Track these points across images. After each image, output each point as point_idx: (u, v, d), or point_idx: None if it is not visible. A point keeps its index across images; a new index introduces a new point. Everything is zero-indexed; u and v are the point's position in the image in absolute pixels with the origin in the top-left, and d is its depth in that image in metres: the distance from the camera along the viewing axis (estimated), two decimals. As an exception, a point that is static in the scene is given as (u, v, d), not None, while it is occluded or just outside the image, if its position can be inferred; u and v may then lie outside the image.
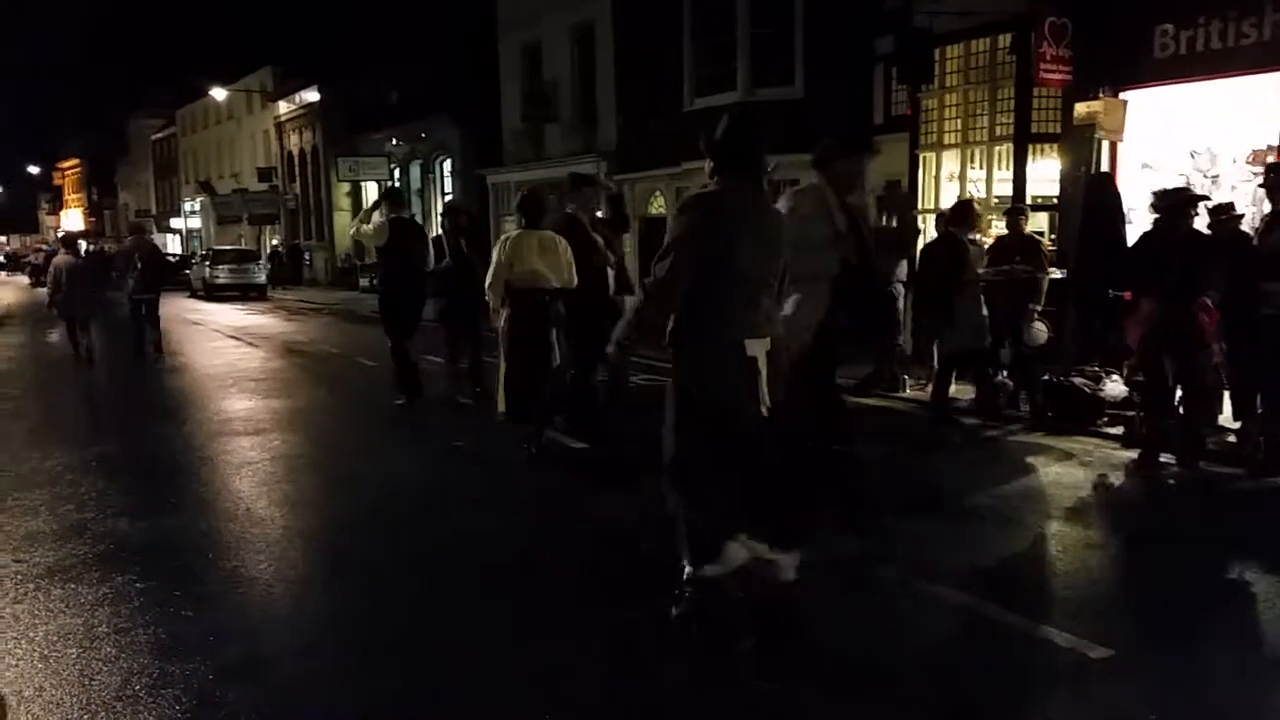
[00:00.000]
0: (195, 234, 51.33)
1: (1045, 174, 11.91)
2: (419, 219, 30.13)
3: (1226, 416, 7.27)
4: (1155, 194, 6.92)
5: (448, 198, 27.06)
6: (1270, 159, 9.66)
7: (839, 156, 4.88)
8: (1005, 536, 5.41)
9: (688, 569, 3.89)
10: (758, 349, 3.76)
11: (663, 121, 16.86)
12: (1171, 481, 6.58)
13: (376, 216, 9.37)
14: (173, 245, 51.53)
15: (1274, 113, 9.21)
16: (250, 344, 16.13)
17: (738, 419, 3.78)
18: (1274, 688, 3.65)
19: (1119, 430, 7.75)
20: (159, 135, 55.83)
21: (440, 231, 10.01)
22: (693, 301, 3.76)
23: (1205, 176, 9.90)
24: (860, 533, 4.83)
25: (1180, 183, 8.69)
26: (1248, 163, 9.82)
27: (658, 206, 18.82)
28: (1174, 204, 6.61)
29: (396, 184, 31.19)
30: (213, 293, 29.51)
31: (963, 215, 8.49)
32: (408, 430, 8.72)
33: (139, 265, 13.79)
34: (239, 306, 26.31)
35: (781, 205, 4.61)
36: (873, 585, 4.60)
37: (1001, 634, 4.04)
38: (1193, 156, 10.19)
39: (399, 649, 3.97)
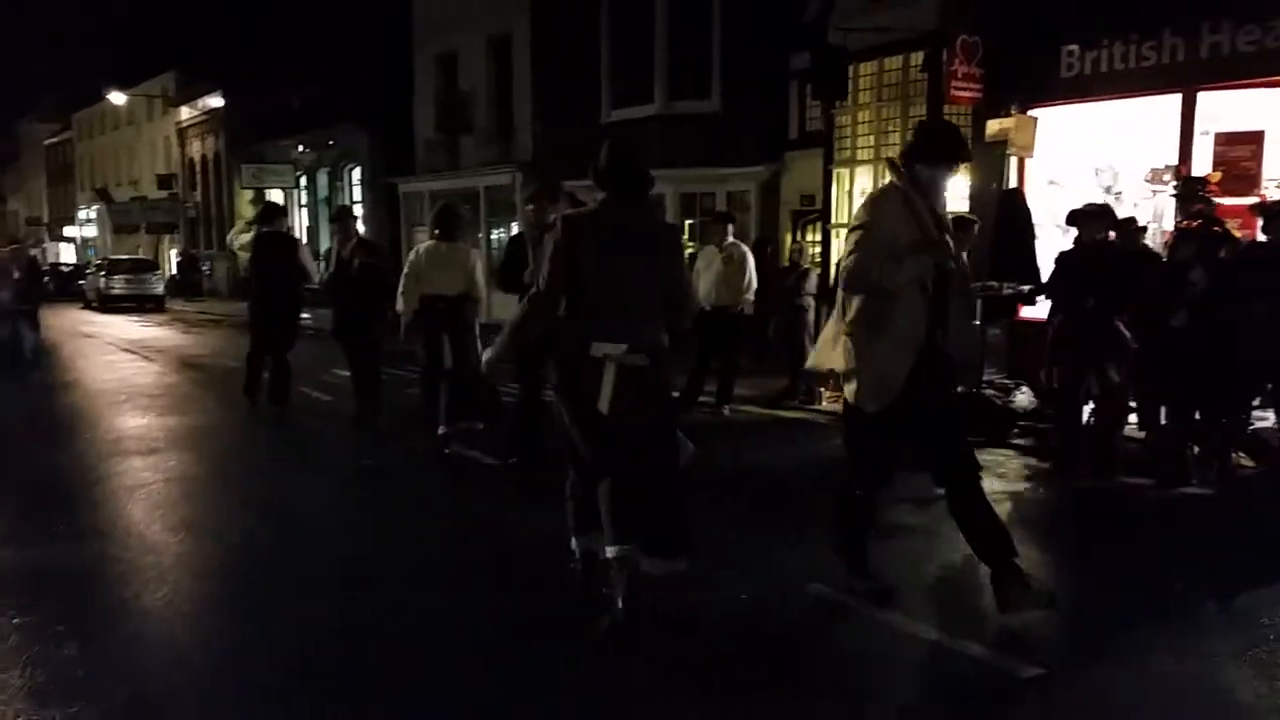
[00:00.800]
0: (91, 243, 49.32)
1: (955, 190, 12.14)
2: (325, 227, 29.46)
3: (1133, 427, 7.44)
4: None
5: (354, 205, 26.52)
6: (1167, 177, 10.00)
7: (924, 161, 4.18)
8: (926, 551, 5.39)
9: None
10: (607, 351, 3.90)
11: (581, 133, 16.72)
12: (1085, 493, 6.66)
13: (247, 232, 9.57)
14: (67, 254, 49.43)
15: (1173, 133, 9.53)
16: (146, 358, 15.46)
17: (584, 420, 3.97)
18: (1206, 697, 3.65)
19: (1030, 442, 7.86)
20: (53, 140, 53.52)
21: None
22: (565, 311, 4.01)
23: (1109, 193, 10.18)
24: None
25: (1100, 199, 8.89)
26: (1146, 180, 10.14)
27: (573, 218, 18.68)
28: (1083, 217, 6.74)
29: (301, 192, 30.51)
30: (108, 304, 28.36)
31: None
32: (314, 449, 8.39)
33: (16, 276, 13.54)
34: (135, 318, 25.32)
35: (861, 209, 4.26)
36: (799, 601, 4.52)
37: (929, 652, 3.99)
38: (1096, 174, 10.48)
39: (307, 687, 3.72)
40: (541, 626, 4.19)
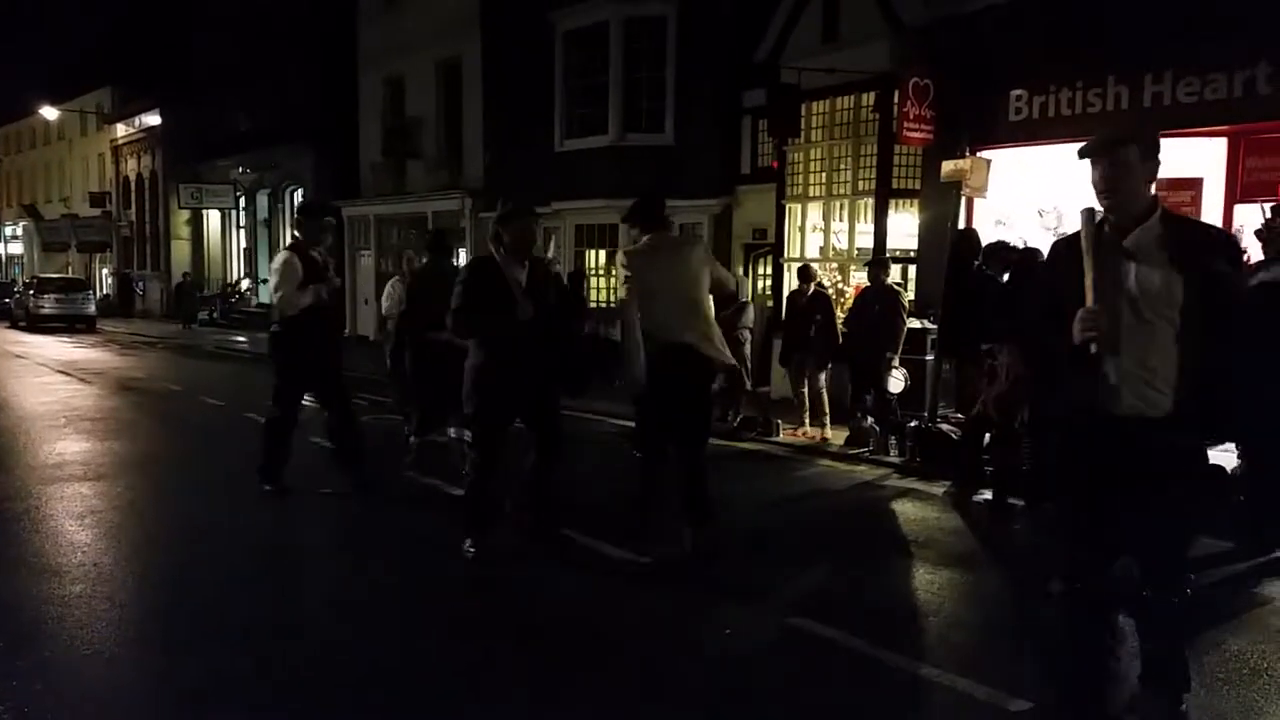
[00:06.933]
0: (16, 260, 47.90)
1: (903, 228, 12.41)
2: (264, 249, 28.99)
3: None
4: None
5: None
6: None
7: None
8: (899, 583, 5.45)
9: None
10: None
11: (532, 161, 16.77)
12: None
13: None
14: (-10, 272, 47.96)
15: (1115, 177, 9.87)
16: (82, 379, 15.02)
17: None
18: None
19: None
20: (-25, 153, 51.98)
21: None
22: None
23: (1053, 234, 10.50)
24: None
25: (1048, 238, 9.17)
26: (1088, 223, 10.48)
27: (524, 246, 18.66)
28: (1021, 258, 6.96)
29: (240, 213, 29.99)
30: (37, 324, 27.63)
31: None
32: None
33: None
34: (66, 339, 24.62)
35: None
36: (777, 635, 4.54)
37: (916, 687, 4.00)
38: (1040, 215, 10.81)
39: (282, 708, 3.64)
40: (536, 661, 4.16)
